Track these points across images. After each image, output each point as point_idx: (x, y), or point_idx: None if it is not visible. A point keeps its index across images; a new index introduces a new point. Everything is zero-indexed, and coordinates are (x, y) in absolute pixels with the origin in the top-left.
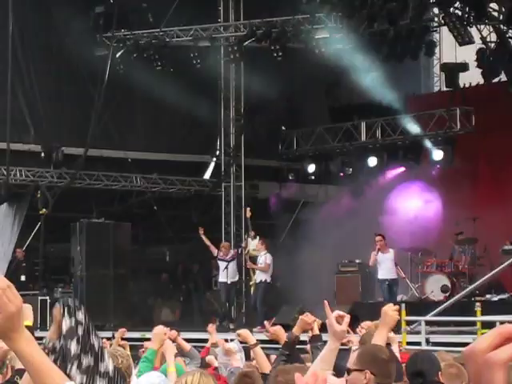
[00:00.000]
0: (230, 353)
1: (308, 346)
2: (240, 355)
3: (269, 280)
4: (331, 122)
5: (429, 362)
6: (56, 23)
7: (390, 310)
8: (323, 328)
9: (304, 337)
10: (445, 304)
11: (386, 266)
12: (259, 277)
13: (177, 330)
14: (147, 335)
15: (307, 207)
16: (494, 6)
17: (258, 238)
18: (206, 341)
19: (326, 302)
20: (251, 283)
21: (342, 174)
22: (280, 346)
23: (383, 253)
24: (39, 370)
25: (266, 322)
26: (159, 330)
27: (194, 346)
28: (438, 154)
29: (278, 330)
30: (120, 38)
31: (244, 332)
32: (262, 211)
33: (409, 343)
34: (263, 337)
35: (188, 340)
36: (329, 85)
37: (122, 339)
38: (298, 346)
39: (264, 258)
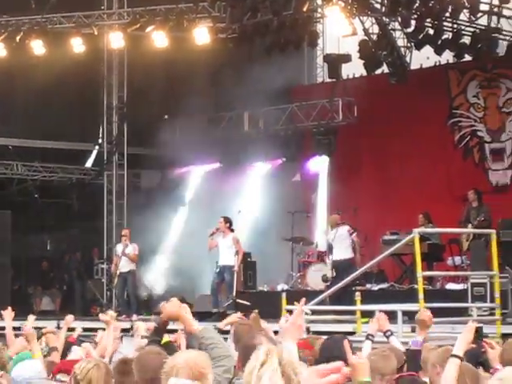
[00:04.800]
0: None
1: None
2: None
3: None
4: (215, 111)
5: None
6: None
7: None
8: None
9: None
10: (325, 293)
11: (222, 251)
12: (127, 267)
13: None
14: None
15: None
16: None
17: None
18: (88, 329)
19: None
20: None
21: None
22: None
23: (223, 237)
24: None
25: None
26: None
27: (81, 335)
28: (320, 145)
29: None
30: (1, 23)
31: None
32: (144, 200)
33: None
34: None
35: (70, 329)
36: (213, 74)
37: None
38: None
39: (133, 248)
